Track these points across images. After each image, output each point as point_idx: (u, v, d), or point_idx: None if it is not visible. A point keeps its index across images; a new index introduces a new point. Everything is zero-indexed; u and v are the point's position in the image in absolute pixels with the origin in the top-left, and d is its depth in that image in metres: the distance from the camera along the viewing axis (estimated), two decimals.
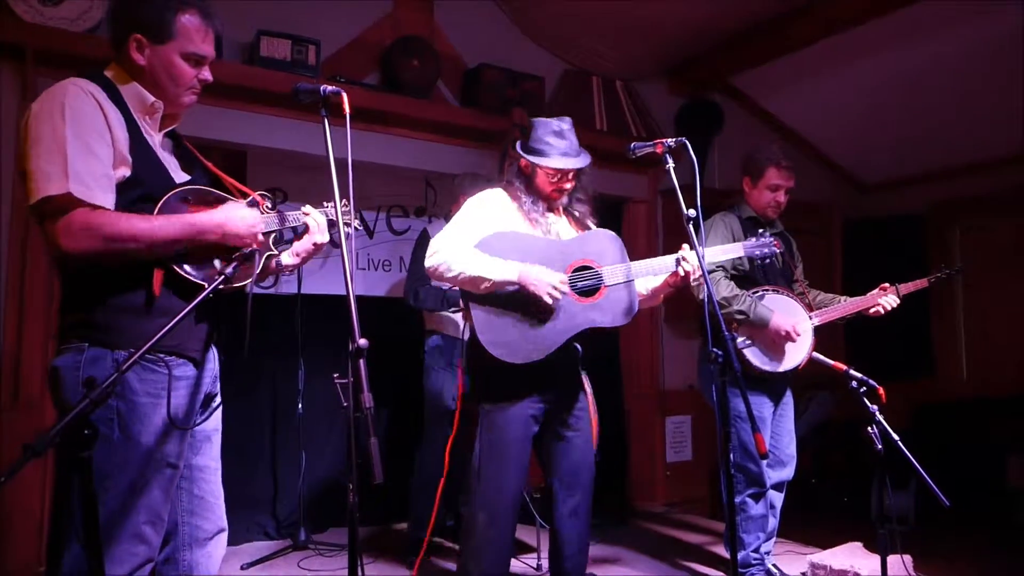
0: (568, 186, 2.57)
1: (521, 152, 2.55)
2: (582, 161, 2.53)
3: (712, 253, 2.65)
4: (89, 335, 1.65)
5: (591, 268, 2.50)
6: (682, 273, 2.48)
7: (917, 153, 5.58)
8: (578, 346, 2.60)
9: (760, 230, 2.93)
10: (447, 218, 3.81)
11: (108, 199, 1.63)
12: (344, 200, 2.11)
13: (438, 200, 4.51)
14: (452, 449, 2.94)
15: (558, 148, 2.49)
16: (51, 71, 3.18)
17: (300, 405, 3.68)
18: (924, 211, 5.95)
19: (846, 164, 6.16)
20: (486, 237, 2.45)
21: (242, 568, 3.41)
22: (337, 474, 4.06)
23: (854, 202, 6.23)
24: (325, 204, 2.02)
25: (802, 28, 4.45)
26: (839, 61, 4.80)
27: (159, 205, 1.70)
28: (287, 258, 1.98)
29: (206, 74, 1.83)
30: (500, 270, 2.35)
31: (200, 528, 1.86)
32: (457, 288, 3.47)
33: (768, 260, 2.80)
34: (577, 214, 2.67)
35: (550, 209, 2.62)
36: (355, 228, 2.15)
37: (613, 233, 2.61)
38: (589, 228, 2.69)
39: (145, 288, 1.67)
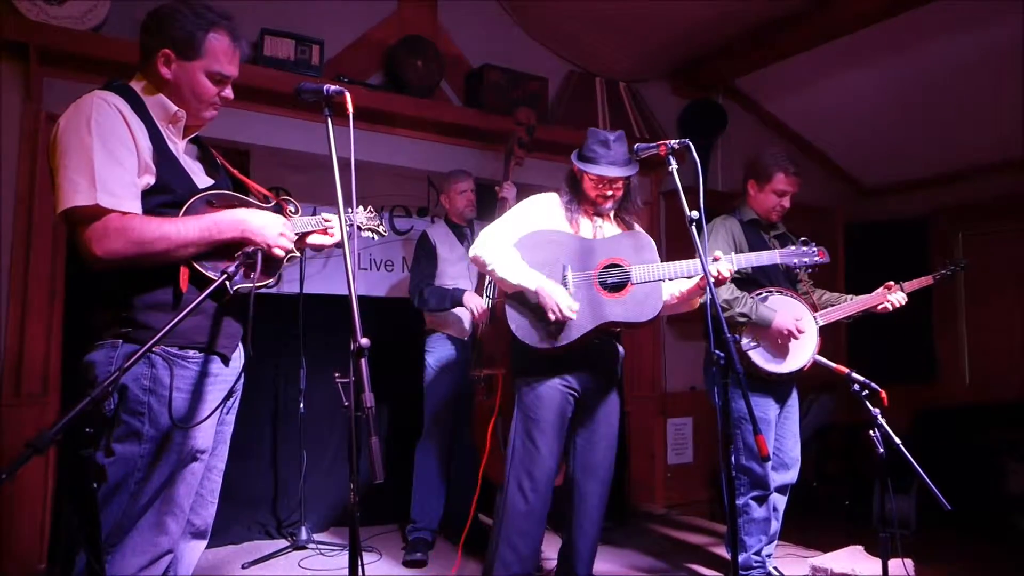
0: (611, 193, 2.72)
1: (574, 159, 2.72)
2: (624, 171, 2.66)
3: (746, 259, 2.73)
4: (124, 332, 1.70)
5: (621, 266, 2.63)
6: (715, 273, 2.52)
7: (920, 157, 5.58)
8: (621, 347, 2.81)
9: (802, 239, 2.92)
10: (446, 218, 3.85)
11: (136, 206, 1.69)
12: (370, 208, 2.23)
13: (439, 201, 4.52)
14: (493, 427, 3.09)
15: (605, 157, 2.65)
16: (55, 70, 3.20)
17: (302, 404, 3.68)
18: (927, 215, 5.94)
19: (848, 167, 6.16)
20: (526, 235, 2.64)
21: (243, 567, 3.41)
22: (338, 473, 4.06)
23: (856, 205, 6.22)
24: (350, 210, 2.07)
25: (806, 31, 4.45)
26: (843, 64, 4.80)
27: (184, 209, 1.76)
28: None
29: (228, 92, 1.89)
30: (525, 279, 2.53)
31: (191, 523, 1.90)
32: (459, 288, 3.53)
33: (807, 268, 2.83)
34: (627, 219, 2.83)
35: (598, 214, 2.78)
36: (383, 233, 2.30)
37: (648, 236, 2.76)
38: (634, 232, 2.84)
39: (172, 286, 1.73)
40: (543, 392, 2.58)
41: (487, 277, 3.40)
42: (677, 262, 2.61)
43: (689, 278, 2.66)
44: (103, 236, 1.63)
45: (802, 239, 2.89)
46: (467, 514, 3.85)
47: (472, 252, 2.67)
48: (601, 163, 2.65)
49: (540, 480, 2.54)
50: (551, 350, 2.55)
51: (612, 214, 2.81)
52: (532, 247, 2.61)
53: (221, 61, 1.83)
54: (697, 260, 2.54)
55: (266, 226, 1.82)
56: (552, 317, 2.49)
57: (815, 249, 2.72)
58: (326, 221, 2.00)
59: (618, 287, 2.61)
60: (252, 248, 1.77)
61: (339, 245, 1.99)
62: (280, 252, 1.84)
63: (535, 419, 2.57)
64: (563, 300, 2.48)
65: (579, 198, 2.75)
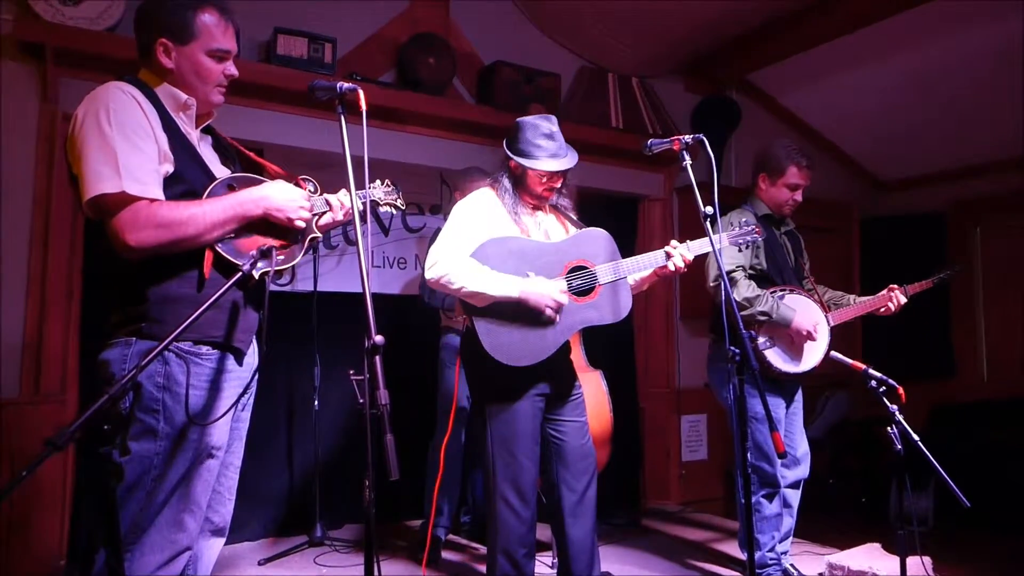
0: (558, 184, 2.62)
1: (510, 154, 2.58)
2: (571, 160, 2.56)
3: (699, 245, 2.62)
4: (137, 329, 1.70)
5: (585, 268, 2.55)
6: (672, 268, 2.55)
7: (937, 151, 5.52)
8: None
9: (743, 219, 2.92)
10: None
11: (160, 193, 1.70)
12: (388, 182, 2.22)
13: (452, 197, 4.52)
14: (447, 448, 3.07)
15: (548, 150, 2.53)
16: (71, 71, 3.22)
17: (316, 401, 3.70)
18: (944, 210, 5.88)
19: (865, 161, 6.11)
20: (482, 244, 2.47)
21: (259, 564, 3.43)
22: (353, 471, 4.07)
23: (873, 200, 6.17)
24: (369, 185, 2.10)
25: (820, 24, 4.41)
26: (858, 58, 4.76)
27: (205, 193, 1.77)
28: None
29: (232, 69, 1.90)
30: (501, 287, 2.38)
31: (209, 521, 1.90)
32: None
33: (748, 246, 2.81)
34: (561, 206, 2.73)
35: (538, 207, 2.67)
36: (400, 206, 2.31)
37: (604, 231, 2.64)
38: (573, 220, 2.74)
39: (197, 271, 1.74)
40: (516, 408, 2.47)
41: None
42: (638, 257, 2.57)
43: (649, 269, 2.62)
44: (133, 225, 1.63)
45: (744, 220, 2.88)
46: (480, 511, 3.86)
47: (429, 275, 2.44)
48: (543, 157, 2.52)
49: (526, 489, 2.46)
50: (531, 366, 2.43)
51: (549, 204, 2.70)
52: (491, 260, 2.44)
53: (216, 37, 1.84)
54: (656, 252, 2.58)
55: (287, 200, 1.84)
56: (550, 313, 2.39)
57: (753, 227, 2.72)
58: (327, 203, 2.01)
59: (587, 291, 2.53)
60: (267, 246, 1.78)
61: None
62: (301, 224, 1.87)
63: (512, 434, 2.47)
64: (552, 291, 2.39)
65: (520, 194, 2.61)
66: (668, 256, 2.55)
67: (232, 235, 1.78)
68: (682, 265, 2.54)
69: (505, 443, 2.47)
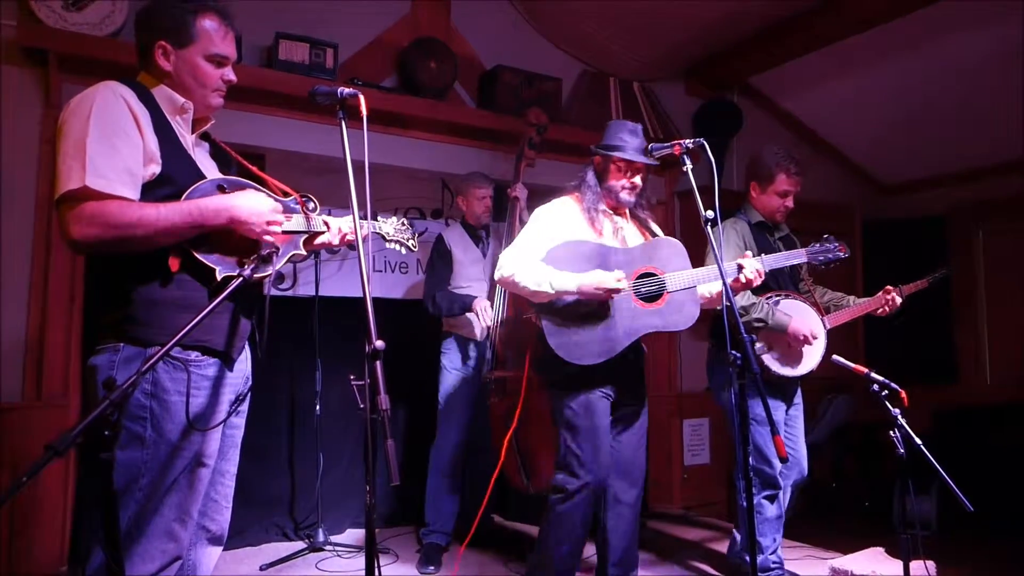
0: (638, 180, 2.71)
1: (596, 150, 2.72)
2: (651, 159, 2.66)
3: (774, 260, 2.72)
4: (123, 333, 1.68)
5: (655, 275, 2.60)
6: (744, 280, 2.58)
7: (939, 154, 5.51)
8: (644, 347, 2.77)
9: (825, 235, 2.93)
10: (462, 220, 3.84)
11: (129, 193, 1.66)
12: (404, 220, 2.21)
13: (454, 202, 4.52)
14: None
15: (632, 145, 2.68)
16: (74, 76, 3.22)
17: (317, 406, 3.69)
18: (946, 213, 5.87)
19: (867, 165, 6.10)
20: (554, 247, 2.55)
21: (261, 569, 3.43)
22: (355, 475, 4.07)
23: (875, 203, 6.16)
24: (380, 217, 2.12)
25: (821, 27, 4.41)
26: (860, 60, 4.76)
27: (189, 191, 1.73)
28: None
29: (230, 74, 1.89)
30: (560, 282, 2.46)
31: (206, 529, 1.89)
32: (470, 295, 3.53)
33: (830, 264, 2.84)
34: (642, 217, 2.82)
35: (618, 213, 2.76)
36: (412, 247, 2.23)
37: (677, 241, 2.72)
38: (653, 232, 2.81)
39: (177, 275, 1.70)
40: (592, 401, 2.55)
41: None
42: (710, 267, 2.62)
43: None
44: (80, 220, 1.60)
45: (825, 236, 2.90)
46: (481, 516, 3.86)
47: (497, 275, 2.58)
48: (628, 150, 2.66)
49: (596, 484, 2.54)
50: (597, 366, 2.50)
51: (628, 211, 2.80)
52: (561, 262, 2.52)
53: (215, 42, 1.83)
54: (731, 264, 2.59)
55: (254, 212, 1.75)
56: (611, 296, 2.45)
57: (836, 244, 2.74)
58: (325, 224, 1.99)
59: (654, 297, 2.58)
60: (267, 251, 1.76)
61: (351, 246, 1.98)
62: (268, 238, 1.79)
63: (589, 427, 2.53)
64: (607, 279, 2.42)
65: (602, 194, 2.71)
66: (740, 268, 2.58)
67: (212, 242, 1.73)
68: (753, 277, 2.57)
69: (588, 434, 2.53)
